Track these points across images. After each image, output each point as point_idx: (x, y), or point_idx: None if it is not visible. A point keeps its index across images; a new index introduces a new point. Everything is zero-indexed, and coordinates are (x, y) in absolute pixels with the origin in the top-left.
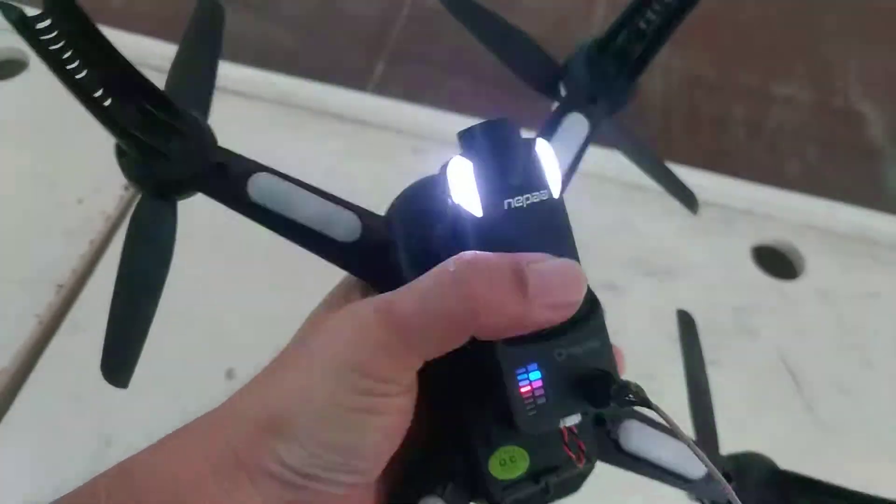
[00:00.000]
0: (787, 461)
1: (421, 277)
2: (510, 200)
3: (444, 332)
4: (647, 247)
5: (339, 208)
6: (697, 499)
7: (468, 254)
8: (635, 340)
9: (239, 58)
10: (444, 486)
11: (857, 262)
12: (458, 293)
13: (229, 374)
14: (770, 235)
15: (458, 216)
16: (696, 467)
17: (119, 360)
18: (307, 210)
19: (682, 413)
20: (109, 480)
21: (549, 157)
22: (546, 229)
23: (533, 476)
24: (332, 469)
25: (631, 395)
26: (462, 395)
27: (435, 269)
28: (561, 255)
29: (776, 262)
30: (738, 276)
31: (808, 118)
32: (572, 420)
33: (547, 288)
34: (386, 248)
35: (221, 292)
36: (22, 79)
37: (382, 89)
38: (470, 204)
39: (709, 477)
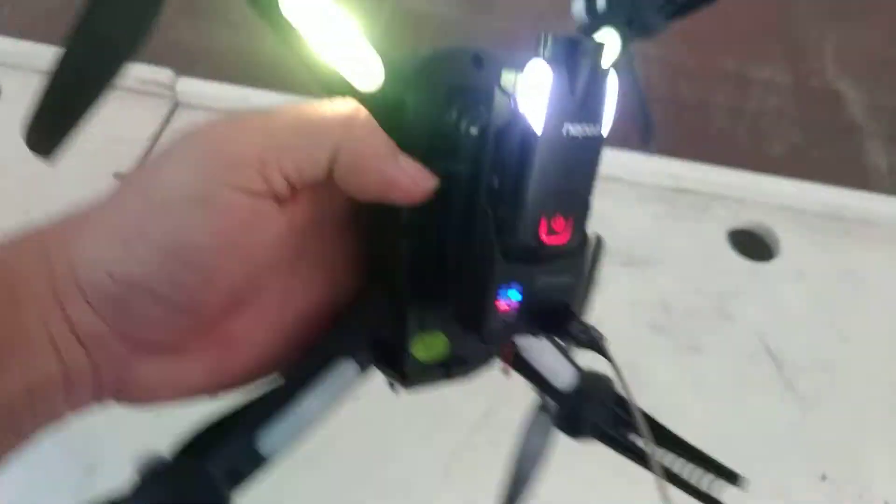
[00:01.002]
0: (770, 438)
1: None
2: (570, 126)
3: (308, 134)
4: (623, 237)
5: (367, 48)
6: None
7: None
8: (615, 331)
9: (221, 75)
10: (360, 349)
11: (831, 239)
12: (338, 110)
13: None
14: (745, 218)
15: (515, 124)
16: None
17: (49, 126)
18: (330, 49)
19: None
20: None
21: (612, 93)
22: (584, 164)
23: (446, 362)
24: (153, 273)
25: (587, 339)
26: (414, 273)
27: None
28: (585, 192)
29: (752, 244)
30: (715, 261)
31: (788, 100)
32: (523, 339)
33: (413, 164)
34: (402, 108)
35: None
36: None
37: None
38: (534, 118)
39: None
